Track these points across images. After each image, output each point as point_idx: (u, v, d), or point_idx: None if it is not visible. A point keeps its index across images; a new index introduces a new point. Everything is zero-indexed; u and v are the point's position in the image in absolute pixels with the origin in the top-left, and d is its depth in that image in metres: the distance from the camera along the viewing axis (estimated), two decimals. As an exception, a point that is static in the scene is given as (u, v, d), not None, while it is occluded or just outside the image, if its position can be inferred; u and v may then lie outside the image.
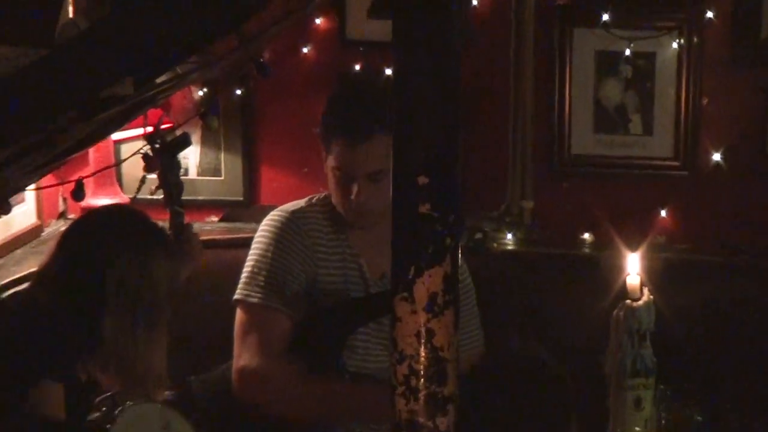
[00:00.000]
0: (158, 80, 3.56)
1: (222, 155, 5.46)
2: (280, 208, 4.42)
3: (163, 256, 3.85)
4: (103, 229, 3.89)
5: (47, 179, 4.56)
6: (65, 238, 3.92)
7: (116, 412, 3.70)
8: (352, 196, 4.16)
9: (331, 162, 4.21)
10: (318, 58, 5.33)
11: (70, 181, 4.72)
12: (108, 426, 3.66)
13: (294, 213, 4.36)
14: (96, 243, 3.83)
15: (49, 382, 3.64)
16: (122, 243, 3.79)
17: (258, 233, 4.37)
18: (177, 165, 4.27)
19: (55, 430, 3.55)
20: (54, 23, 2.83)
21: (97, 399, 3.76)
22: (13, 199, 4.09)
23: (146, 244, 3.82)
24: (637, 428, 3.73)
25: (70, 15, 2.90)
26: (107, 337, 3.72)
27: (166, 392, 4.00)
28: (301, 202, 4.41)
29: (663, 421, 3.86)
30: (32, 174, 4.02)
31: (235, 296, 4.28)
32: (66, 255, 3.85)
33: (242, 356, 4.24)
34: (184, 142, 4.29)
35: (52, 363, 3.67)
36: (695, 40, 5.20)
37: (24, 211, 4.84)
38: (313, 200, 4.39)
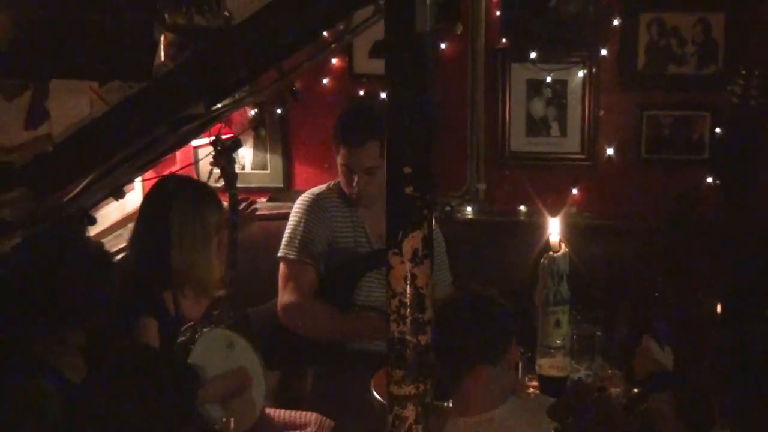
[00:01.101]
0: (222, 103, 3.55)
1: (268, 155, 5.43)
2: (308, 191, 4.48)
3: (213, 203, 3.95)
4: (161, 191, 3.96)
5: (149, 173, 4.56)
6: (142, 204, 4.04)
7: (197, 336, 3.71)
8: (354, 185, 4.22)
9: (339, 160, 4.28)
10: (334, 86, 5.30)
11: (164, 175, 4.74)
12: (191, 346, 3.67)
13: (318, 195, 4.41)
14: (157, 200, 3.92)
15: (146, 318, 3.68)
16: (174, 194, 3.87)
17: (293, 209, 4.43)
18: (233, 161, 4.27)
19: (152, 350, 3.55)
20: (150, 65, 2.82)
21: (183, 328, 3.77)
22: (126, 188, 4.09)
23: (197, 195, 3.91)
24: (557, 341, 3.76)
25: (162, 59, 2.89)
26: (176, 260, 3.79)
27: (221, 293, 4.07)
28: (322, 187, 4.46)
29: (574, 336, 3.88)
30: (139, 170, 4.01)
31: (278, 254, 4.36)
32: (142, 214, 3.96)
33: (284, 295, 4.31)
34: (237, 145, 4.30)
35: (144, 300, 3.71)
36: (594, 70, 5.19)
37: (134, 197, 4.83)
38: (331, 185, 4.44)
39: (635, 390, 3.46)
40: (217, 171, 4.25)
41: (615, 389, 3.80)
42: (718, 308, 4.35)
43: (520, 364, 3.79)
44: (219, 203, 4.00)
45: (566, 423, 2.64)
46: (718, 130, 5.11)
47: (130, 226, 4.81)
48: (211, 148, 4.51)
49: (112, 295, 3.43)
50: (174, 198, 3.86)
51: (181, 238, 3.80)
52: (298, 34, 3.01)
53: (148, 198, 4.02)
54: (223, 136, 4.41)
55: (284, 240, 4.35)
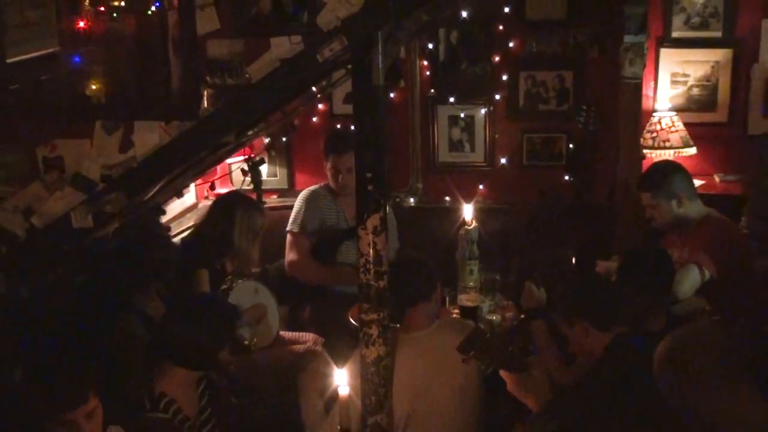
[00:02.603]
0: (248, 133, 3.55)
1: (277, 167, 5.33)
2: (307, 188, 4.47)
3: (258, 211, 3.97)
4: (228, 200, 3.98)
5: (198, 180, 4.55)
6: (212, 206, 4.03)
7: (233, 285, 3.71)
8: (339, 180, 4.22)
9: (329, 165, 4.27)
10: (320, 123, 5.24)
11: (208, 181, 4.74)
12: (230, 291, 3.68)
13: (313, 191, 4.40)
14: (225, 206, 3.91)
15: (202, 270, 3.68)
16: (238, 205, 3.88)
17: (297, 200, 4.42)
18: (259, 173, 4.28)
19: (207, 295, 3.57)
20: (197, 109, 2.82)
21: (226, 279, 3.77)
22: (184, 191, 4.09)
23: (249, 206, 3.93)
24: (471, 283, 3.75)
25: (205, 105, 2.88)
26: (236, 244, 3.81)
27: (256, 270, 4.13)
28: (316, 186, 4.44)
29: (482, 280, 3.85)
30: (191, 178, 4.00)
31: (287, 228, 4.33)
32: (212, 212, 3.94)
33: (289, 255, 4.31)
34: (261, 162, 4.30)
35: (202, 259, 3.71)
36: (491, 108, 5.17)
37: (189, 197, 4.81)
38: (322, 185, 4.42)
39: (522, 316, 3.50)
40: (248, 179, 4.27)
41: (509, 313, 3.85)
42: (573, 260, 4.39)
43: (447, 299, 3.80)
44: (263, 212, 4.04)
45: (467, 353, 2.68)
46: (570, 146, 5.11)
47: (188, 215, 4.81)
48: (239, 162, 4.56)
49: (176, 260, 3.46)
50: (237, 206, 3.91)
51: (240, 232, 3.84)
52: (295, 89, 3.00)
53: (219, 203, 4.05)
54: (252, 157, 4.47)
55: (290, 219, 4.34)
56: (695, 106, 5.12)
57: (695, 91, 5.13)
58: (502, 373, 2.61)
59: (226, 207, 3.93)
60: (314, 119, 5.25)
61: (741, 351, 2.23)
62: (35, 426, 2.30)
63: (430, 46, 5.14)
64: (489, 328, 3.64)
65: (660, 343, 2.30)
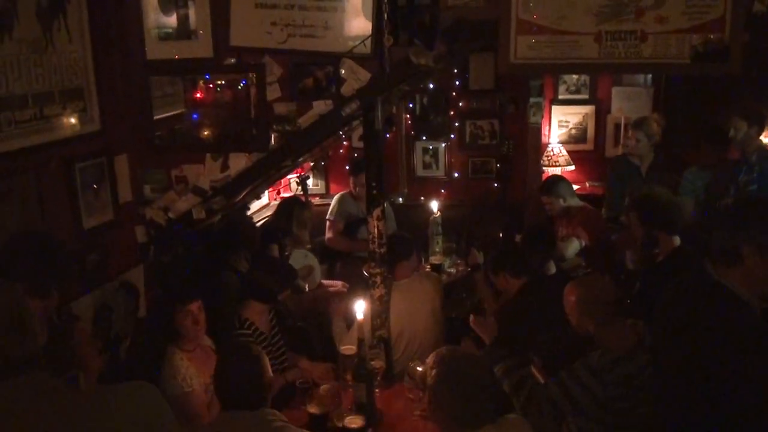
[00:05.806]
0: (299, 160, 3.53)
1: (319, 180, 5.27)
2: (339, 193, 4.38)
3: (307, 210, 3.89)
4: (289, 202, 3.91)
5: (270, 188, 4.52)
6: (279, 205, 3.96)
7: (291, 253, 3.68)
8: (357, 190, 4.14)
9: (351, 181, 4.19)
10: (344, 153, 5.17)
11: (276, 189, 4.69)
12: (289, 256, 3.63)
13: (342, 195, 4.31)
14: (287, 206, 3.86)
15: (273, 244, 3.58)
16: (294, 206, 3.82)
17: (333, 200, 4.32)
18: (306, 184, 4.25)
19: (277, 259, 3.50)
20: (268, 145, 2.82)
21: (287, 248, 3.75)
22: (261, 194, 4.07)
23: (302, 206, 3.85)
24: (437, 249, 3.72)
25: (273, 142, 2.87)
26: (294, 230, 3.70)
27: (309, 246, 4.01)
28: (345, 192, 4.35)
29: (444, 247, 3.83)
30: (266, 187, 3.97)
31: (326, 217, 4.24)
32: (279, 210, 3.88)
33: (327, 234, 4.21)
34: (308, 177, 4.26)
35: (273, 237, 3.60)
36: (449, 143, 5.11)
37: (264, 198, 4.76)
38: (347, 191, 4.34)
39: (469, 269, 3.50)
40: (300, 188, 4.26)
41: (460, 268, 3.83)
42: (500, 235, 4.38)
43: (422, 259, 3.72)
44: (310, 208, 3.97)
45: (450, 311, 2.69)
46: (498, 165, 5.05)
47: (264, 210, 4.74)
48: (294, 177, 4.50)
49: (256, 237, 3.44)
50: (294, 206, 3.85)
51: (295, 223, 3.79)
52: (328, 132, 3.00)
53: (283, 204, 3.99)
54: (302, 174, 4.41)
55: (329, 211, 4.29)
56: (573, 140, 5.12)
57: (573, 131, 5.14)
58: (472, 316, 2.61)
59: (288, 207, 3.90)
60: (341, 151, 5.20)
61: (610, 292, 2.25)
62: (168, 313, 2.43)
63: (410, 105, 5.10)
64: (449, 278, 3.64)
65: (567, 286, 2.31)
